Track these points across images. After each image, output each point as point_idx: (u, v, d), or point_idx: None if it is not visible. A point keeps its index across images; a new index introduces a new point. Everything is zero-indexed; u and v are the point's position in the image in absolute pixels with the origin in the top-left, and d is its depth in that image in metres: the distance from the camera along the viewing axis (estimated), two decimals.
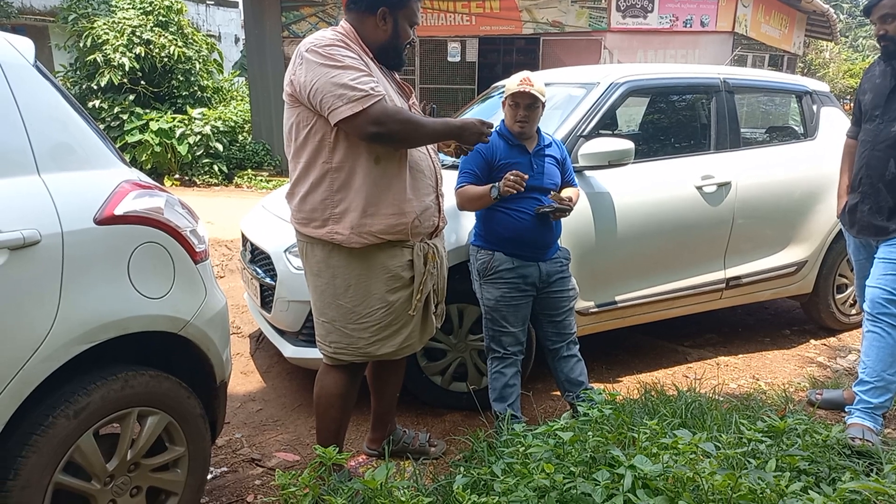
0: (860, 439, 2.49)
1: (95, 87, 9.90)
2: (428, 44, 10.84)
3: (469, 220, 2.89)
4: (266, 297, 3.20)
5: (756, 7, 11.11)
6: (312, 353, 2.99)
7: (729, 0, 10.25)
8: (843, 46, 26.45)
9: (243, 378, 3.52)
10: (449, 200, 2.93)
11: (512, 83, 2.66)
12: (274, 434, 2.97)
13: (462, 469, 2.04)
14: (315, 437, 2.46)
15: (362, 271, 2.17)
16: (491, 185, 2.57)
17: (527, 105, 2.62)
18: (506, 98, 2.67)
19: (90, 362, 1.77)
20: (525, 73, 2.69)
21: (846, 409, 2.81)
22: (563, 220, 2.79)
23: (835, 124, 4.07)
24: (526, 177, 2.51)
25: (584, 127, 3.28)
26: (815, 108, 4.15)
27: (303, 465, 2.67)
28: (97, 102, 9.89)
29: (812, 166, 3.91)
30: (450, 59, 10.74)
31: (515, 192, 2.49)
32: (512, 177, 2.48)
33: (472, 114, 4.16)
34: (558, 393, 3.13)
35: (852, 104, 2.97)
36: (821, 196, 3.84)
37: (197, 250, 2.06)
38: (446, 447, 2.77)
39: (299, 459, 2.75)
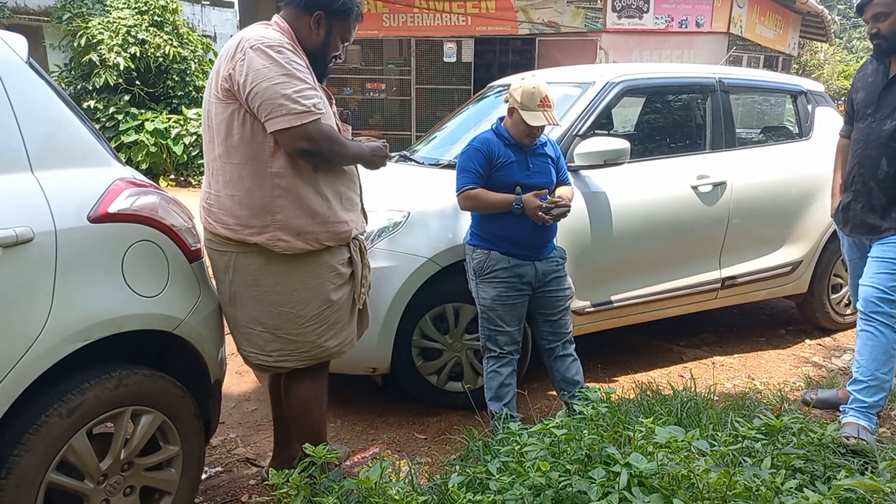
0: (855, 438, 2.49)
1: (90, 88, 9.86)
2: (424, 44, 10.84)
3: (465, 219, 2.89)
4: None
5: (751, 8, 11.15)
6: None
7: (724, 1, 10.28)
8: (837, 48, 26.56)
9: (238, 378, 3.51)
10: (443, 200, 2.94)
11: (531, 101, 2.56)
12: (269, 434, 2.95)
13: (458, 468, 2.04)
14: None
15: (306, 274, 2.12)
16: (514, 199, 2.59)
17: (540, 127, 2.64)
18: (520, 112, 2.60)
19: (84, 361, 1.77)
20: (542, 89, 2.59)
21: (841, 409, 2.81)
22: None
23: (830, 124, 4.08)
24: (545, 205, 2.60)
25: (580, 126, 3.28)
26: (810, 108, 4.16)
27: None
28: (92, 103, 9.85)
29: (807, 166, 3.92)
30: (446, 59, 10.74)
31: (540, 222, 2.59)
32: (544, 207, 2.56)
33: (468, 114, 4.16)
34: (554, 392, 3.13)
35: (845, 104, 2.99)
36: (816, 196, 3.85)
37: (192, 249, 2.05)
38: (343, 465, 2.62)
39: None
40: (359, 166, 2.28)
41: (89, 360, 1.79)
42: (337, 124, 2.17)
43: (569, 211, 2.67)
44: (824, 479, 1.93)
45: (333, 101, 2.26)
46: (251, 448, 2.84)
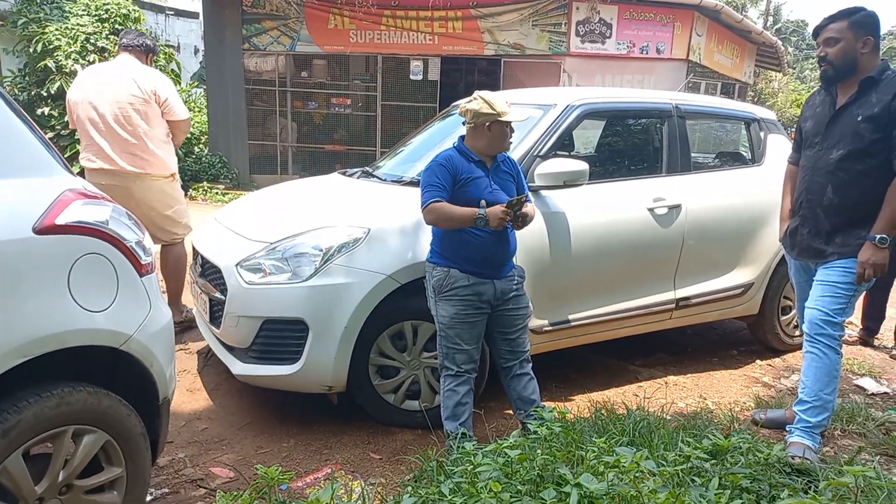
0: (800, 457, 2.56)
1: (45, 94, 9.60)
2: (390, 61, 10.88)
3: (426, 236, 2.89)
4: (215, 313, 3.12)
5: (709, 36, 11.52)
6: (262, 370, 2.94)
7: (684, 29, 10.60)
8: (790, 77, 27.63)
9: (189, 396, 3.42)
10: (404, 217, 2.94)
11: (501, 106, 2.63)
12: (219, 454, 2.88)
13: (410, 489, 2.02)
14: (261, 458, 2.40)
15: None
16: (477, 213, 2.57)
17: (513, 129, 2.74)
18: (493, 123, 2.64)
19: (24, 377, 1.70)
20: (500, 95, 2.72)
21: (787, 429, 2.88)
22: (518, 237, 2.82)
23: (781, 151, 4.21)
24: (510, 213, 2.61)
25: (540, 147, 3.33)
26: (762, 134, 4.30)
27: (238, 482, 2.62)
28: (47, 110, 9.59)
29: (759, 191, 4.04)
30: (412, 76, 10.79)
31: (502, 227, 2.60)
32: (505, 212, 2.57)
33: (432, 131, 4.17)
34: (511, 411, 3.13)
35: (795, 131, 3.10)
36: (767, 220, 3.96)
37: (142, 263, 2.01)
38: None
39: (234, 476, 2.69)
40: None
41: (30, 376, 1.72)
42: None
43: (532, 218, 2.71)
44: (769, 498, 1.97)
45: None
46: (200, 469, 2.76)
